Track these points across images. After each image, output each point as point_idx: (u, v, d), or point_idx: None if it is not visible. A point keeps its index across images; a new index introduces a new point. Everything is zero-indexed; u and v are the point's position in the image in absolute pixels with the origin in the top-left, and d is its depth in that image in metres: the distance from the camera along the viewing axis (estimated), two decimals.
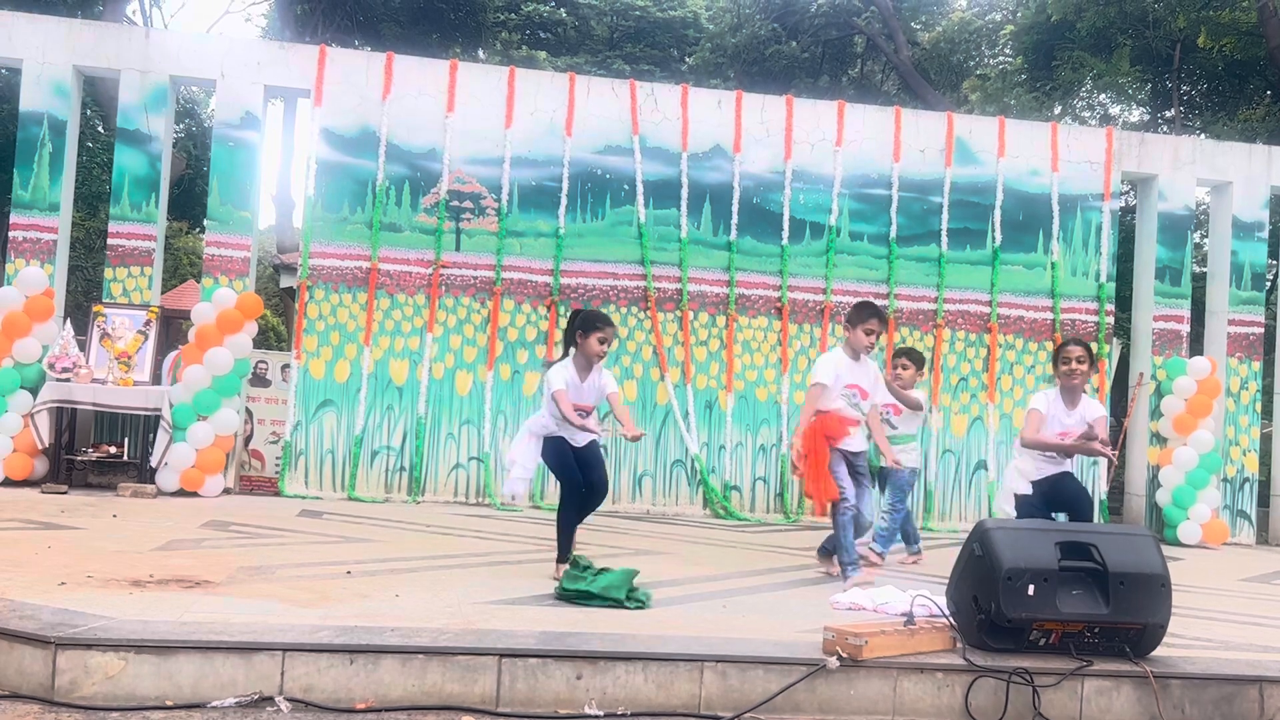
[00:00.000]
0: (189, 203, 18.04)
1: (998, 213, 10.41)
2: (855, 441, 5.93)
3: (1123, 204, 14.19)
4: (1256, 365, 10.71)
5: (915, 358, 7.16)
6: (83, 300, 13.72)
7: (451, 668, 3.58)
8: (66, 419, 8.69)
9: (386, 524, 7.58)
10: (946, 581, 4.38)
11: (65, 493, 8.16)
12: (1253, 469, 10.63)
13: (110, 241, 9.44)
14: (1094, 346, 10.08)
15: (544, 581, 5.27)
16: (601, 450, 5.88)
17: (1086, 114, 21.22)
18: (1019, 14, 21.45)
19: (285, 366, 9.55)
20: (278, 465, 9.33)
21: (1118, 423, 10.76)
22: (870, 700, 3.77)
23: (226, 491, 8.87)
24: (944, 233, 10.34)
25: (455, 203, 9.74)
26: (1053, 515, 5.94)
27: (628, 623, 4.27)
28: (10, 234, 9.32)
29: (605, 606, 4.56)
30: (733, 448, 9.90)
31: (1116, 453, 6.43)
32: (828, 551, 6.26)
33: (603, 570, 4.85)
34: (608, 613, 4.47)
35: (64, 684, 3.41)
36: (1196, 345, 11.14)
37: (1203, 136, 16.30)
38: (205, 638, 3.53)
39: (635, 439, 5.47)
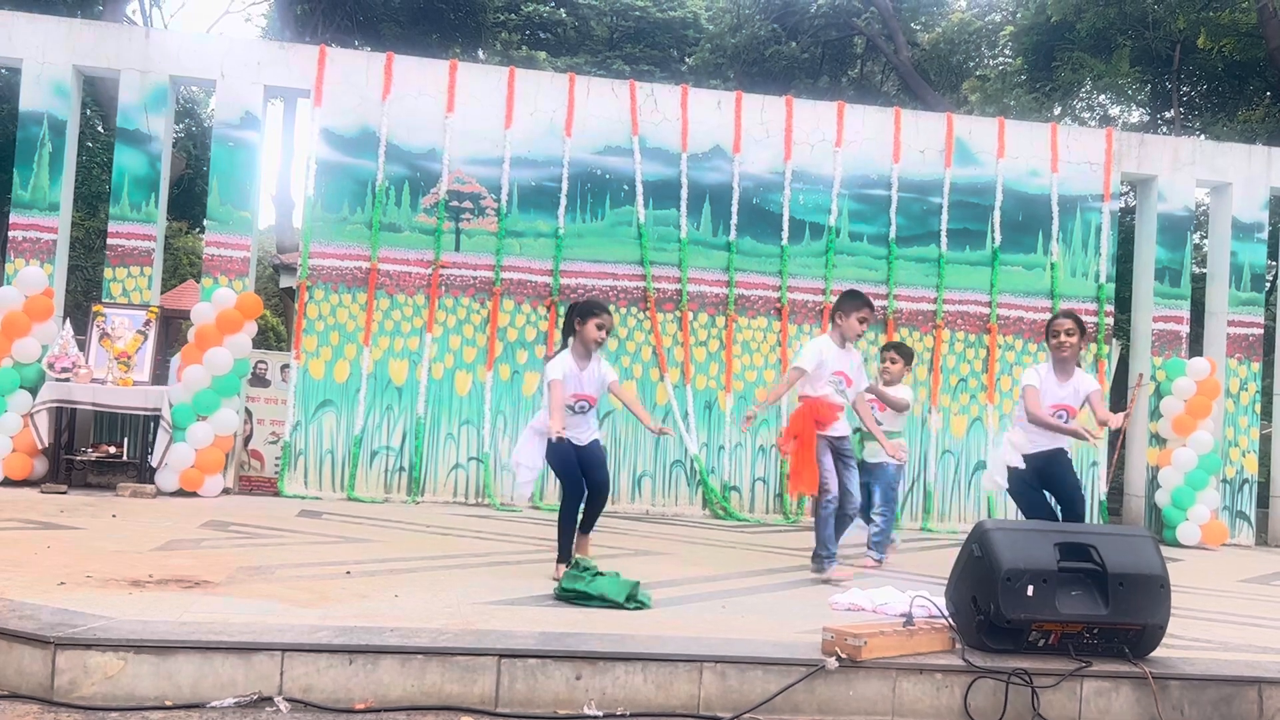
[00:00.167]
0: (189, 203, 18.05)
1: (997, 213, 10.41)
2: (841, 427, 6.08)
3: (1122, 205, 14.19)
4: (1256, 366, 10.71)
5: (904, 352, 7.17)
6: (82, 300, 13.71)
7: (451, 668, 3.58)
8: (66, 419, 8.69)
9: (386, 524, 7.58)
10: (945, 582, 4.38)
11: (65, 493, 8.16)
12: (1252, 470, 10.63)
13: (110, 241, 9.44)
14: (1084, 320, 10.11)
15: (543, 582, 5.27)
16: (603, 450, 5.89)
17: (1086, 115, 21.23)
18: (1019, 15, 21.46)
19: (285, 366, 9.55)
20: (277, 465, 9.33)
21: None
22: (869, 701, 3.77)
23: (226, 492, 8.87)
24: (943, 233, 10.34)
25: (455, 203, 9.74)
26: (1044, 491, 6.02)
27: (627, 623, 4.27)
28: (10, 234, 9.32)
29: (605, 607, 4.56)
30: (732, 448, 9.90)
31: (1127, 415, 6.44)
32: (831, 559, 6.29)
33: (602, 572, 4.85)
34: (607, 613, 4.47)
35: (63, 684, 3.41)
36: (1196, 346, 11.14)
37: (1202, 137, 16.31)
38: (204, 638, 3.53)
39: (660, 434, 5.90)
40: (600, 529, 6.74)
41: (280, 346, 18.28)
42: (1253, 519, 10.66)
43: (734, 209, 10.06)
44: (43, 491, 8.10)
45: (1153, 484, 10.29)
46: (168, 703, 3.42)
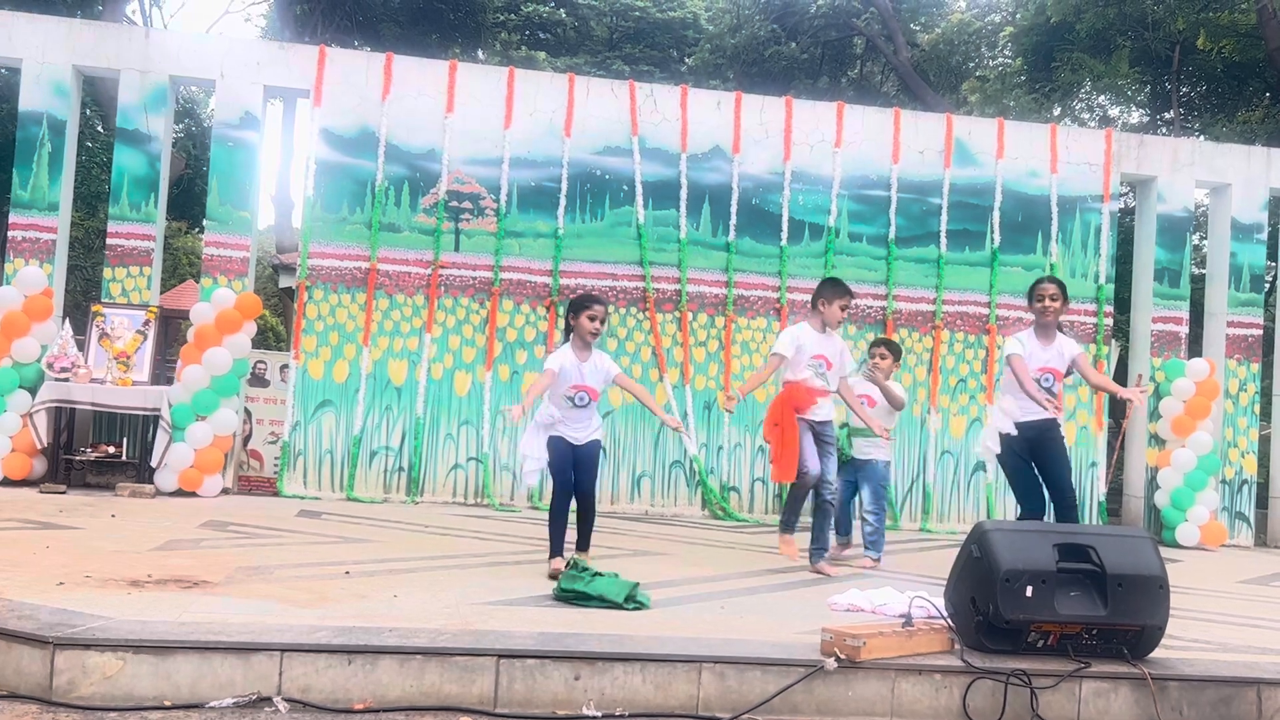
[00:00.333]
0: (188, 203, 18.06)
1: (996, 214, 10.42)
2: (822, 411, 6.19)
3: (1122, 206, 14.20)
4: (1255, 367, 10.71)
5: (893, 348, 7.19)
6: (81, 300, 13.71)
7: (449, 668, 3.58)
8: (65, 419, 8.69)
9: (385, 524, 7.58)
10: (944, 583, 4.38)
11: (64, 492, 8.16)
12: (1251, 471, 10.63)
13: (109, 241, 9.44)
14: (1066, 284, 10.14)
15: (542, 582, 5.27)
16: (598, 454, 5.93)
17: (1085, 115, 21.25)
18: (1018, 15, 21.47)
19: (284, 366, 9.54)
20: (276, 465, 9.33)
21: (1116, 424, 10.76)
22: (868, 701, 3.77)
23: (225, 492, 8.87)
24: (943, 234, 10.34)
25: (454, 203, 9.74)
26: (1034, 467, 6.15)
27: (626, 623, 4.27)
28: (9, 233, 9.31)
29: (603, 608, 4.56)
30: (731, 448, 9.90)
31: (1143, 390, 6.56)
32: (820, 551, 6.34)
33: (601, 573, 4.85)
34: (606, 613, 4.47)
35: (62, 684, 3.41)
36: (1195, 347, 11.14)
37: (1201, 138, 16.31)
38: (203, 638, 3.53)
39: (675, 429, 6.15)
40: (599, 529, 6.73)
41: (279, 346, 18.28)
42: (1252, 520, 10.66)
43: (733, 209, 10.06)
44: (42, 491, 8.10)
45: (1152, 485, 10.29)
46: (166, 703, 3.42)
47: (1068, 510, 6.11)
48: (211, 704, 3.41)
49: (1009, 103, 18.63)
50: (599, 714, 3.59)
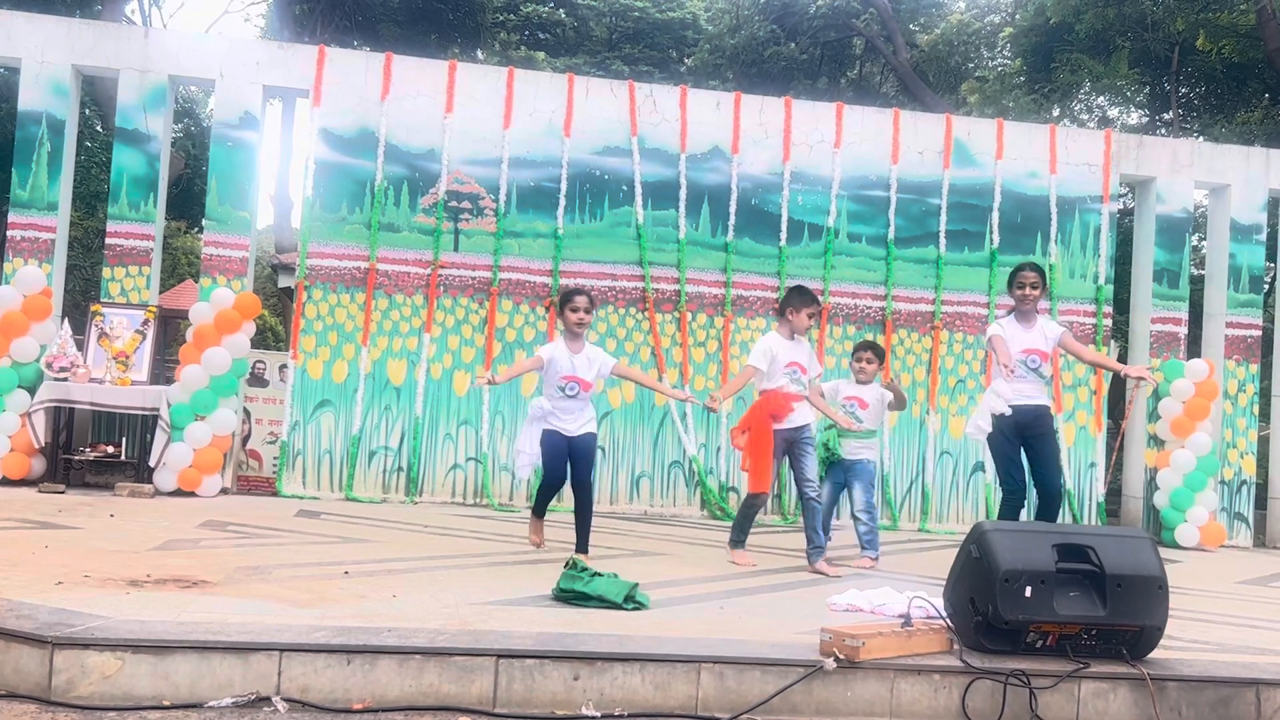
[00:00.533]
0: (187, 202, 18.04)
1: (996, 215, 10.42)
2: (799, 416, 6.33)
3: (1121, 206, 14.20)
4: (1254, 368, 10.72)
5: (879, 351, 7.20)
6: (81, 300, 13.70)
7: (448, 668, 3.57)
8: (64, 418, 8.69)
9: (384, 524, 7.58)
10: (943, 583, 4.38)
11: (63, 492, 8.16)
12: (1250, 472, 10.63)
13: (108, 241, 9.44)
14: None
15: (542, 582, 5.26)
16: (594, 446, 5.97)
17: (1085, 116, 21.25)
18: (1017, 16, 21.47)
19: (283, 366, 9.54)
20: (275, 465, 9.33)
21: (1115, 425, 10.76)
22: (867, 702, 3.77)
23: (224, 491, 8.87)
24: (942, 234, 10.34)
25: (453, 203, 9.74)
26: (1023, 455, 6.28)
27: (625, 624, 4.27)
28: (8, 233, 9.31)
29: (602, 608, 4.56)
30: (730, 449, 9.89)
31: (1149, 372, 6.62)
32: (818, 551, 6.38)
33: (600, 573, 4.84)
34: (605, 614, 4.46)
35: (60, 684, 3.40)
36: (1194, 348, 11.14)
37: (1201, 139, 16.32)
38: (202, 638, 3.53)
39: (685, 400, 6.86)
40: (599, 529, 6.74)
41: (278, 346, 18.26)
42: (1251, 520, 10.66)
43: (732, 210, 10.06)
44: (40, 491, 8.10)
45: (1151, 485, 10.29)
46: (165, 702, 3.41)
47: (1051, 504, 6.16)
48: (210, 704, 3.41)
49: (1008, 103, 18.63)
50: (598, 714, 3.58)
